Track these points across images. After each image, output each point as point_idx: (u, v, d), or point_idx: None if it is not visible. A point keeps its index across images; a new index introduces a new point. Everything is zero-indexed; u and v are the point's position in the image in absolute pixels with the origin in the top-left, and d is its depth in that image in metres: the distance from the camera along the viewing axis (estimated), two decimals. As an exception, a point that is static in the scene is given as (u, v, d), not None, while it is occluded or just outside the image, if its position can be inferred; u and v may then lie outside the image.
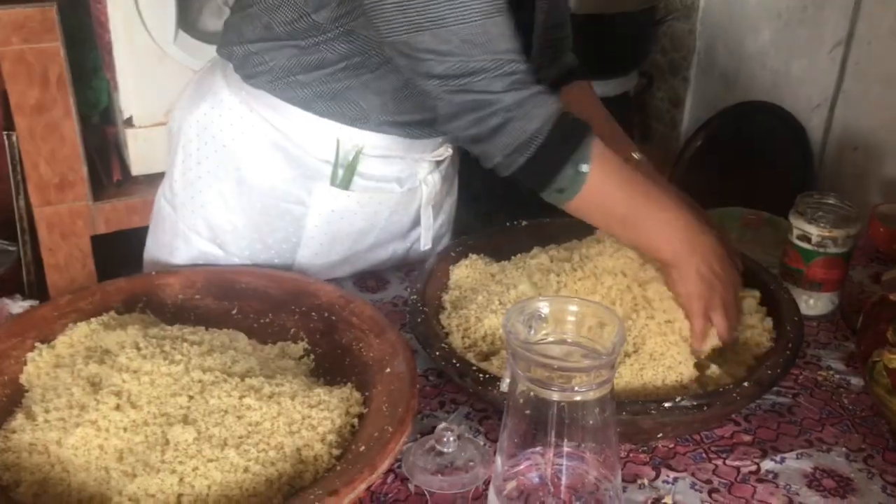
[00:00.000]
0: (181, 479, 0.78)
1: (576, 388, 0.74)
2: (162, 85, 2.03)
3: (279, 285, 1.10)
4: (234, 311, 1.08)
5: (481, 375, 0.91)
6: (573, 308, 0.77)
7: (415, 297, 1.06)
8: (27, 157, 2.04)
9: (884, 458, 0.92)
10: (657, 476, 0.89)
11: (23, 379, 0.95)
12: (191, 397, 0.84)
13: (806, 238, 1.13)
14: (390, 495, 0.86)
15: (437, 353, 0.96)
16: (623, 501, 0.80)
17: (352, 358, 1.00)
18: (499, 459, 0.81)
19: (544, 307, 0.78)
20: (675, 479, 0.89)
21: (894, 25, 1.63)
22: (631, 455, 0.92)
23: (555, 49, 1.23)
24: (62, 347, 0.96)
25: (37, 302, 2.28)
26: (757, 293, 1.07)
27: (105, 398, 0.84)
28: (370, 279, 1.24)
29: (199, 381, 0.86)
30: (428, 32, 0.90)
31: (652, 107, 2.11)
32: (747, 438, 0.94)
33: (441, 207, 1.28)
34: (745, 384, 0.90)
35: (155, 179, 2.14)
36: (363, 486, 0.79)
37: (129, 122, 2.08)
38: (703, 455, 0.92)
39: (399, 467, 0.86)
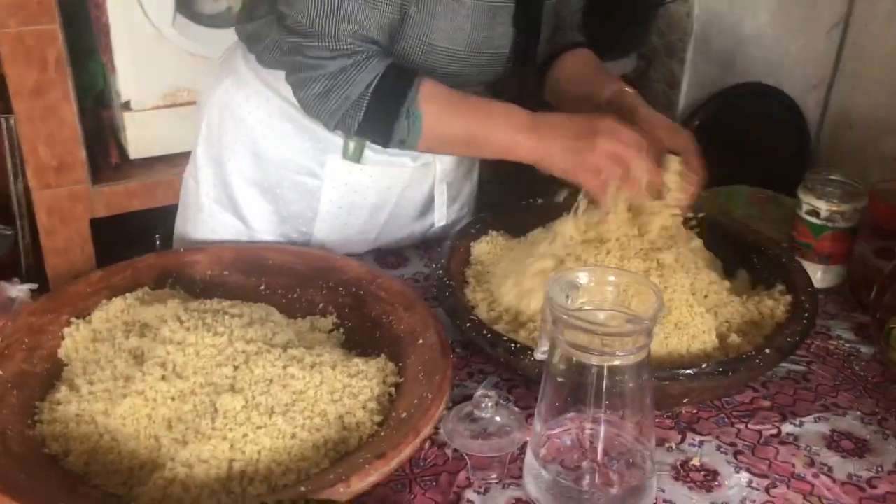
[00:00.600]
0: (232, 446, 0.81)
1: (616, 353, 0.77)
2: (160, 68, 2.03)
3: (305, 261, 1.12)
4: (261, 287, 1.10)
5: (512, 345, 0.94)
6: (612, 278, 0.81)
7: (440, 271, 1.09)
8: (25, 141, 2.02)
9: (897, 420, 0.96)
10: (683, 440, 0.93)
11: (61, 353, 0.97)
12: (236, 367, 0.87)
13: (815, 213, 1.17)
14: (429, 460, 0.89)
15: (468, 325, 0.98)
16: (655, 463, 0.84)
17: (382, 331, 1.02)
18: (537, 423, 0.84)
19: (583, 277, 0.81)
20: (701, 443, 0.92)
21: (893, 5, 1.67)
22: (657, 420, 0.95)
23: (562, 25, 1.26)
24: (98, 322, 0.98)
25: (35, 286, 2.28)
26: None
27: (150, 369, 0.86)
28: (390, 256, 1.27)
29: (244, 351, 0.88)
30: None
31: (648, 89, 2.14)
32: (766, 404, 0.98)
33: (459, 190, 1.30)
34: (767, 351, 0.93)
35: (153, 163, 2.15)
36: (409, 450, 0.82)
37: (126, 106, 2.08)
38: (726, 420, 0.96)
39: (436, 433, 0.89)
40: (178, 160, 2.13)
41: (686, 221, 1.09)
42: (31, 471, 0.80)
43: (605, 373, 0.78)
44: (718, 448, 0.92)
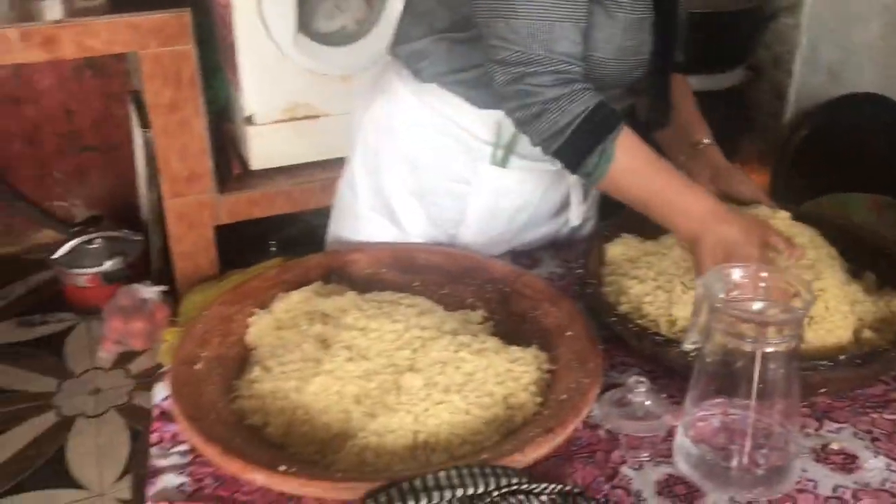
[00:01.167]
0: (415, 419, 0.91)
1: (770, 341, 0.85)
2: (281, 85, 2.16)
3: (454, 261, 1.22)
4: (415, 284, 1.20)
5: (657, 338, 1.02)
6: (764, 274, 0.88)
7: (581, 270, 1.17)
8: (161, 153, 2.19)
9: None
10: (820, 427, 0.99)
11: (248, 339, 1.08)
12: (414, 350, 0.97)
13: (939, 217, 1.22)
14: (583, 439, 0.98)
15: (614, 319, 1.07)
16: (798, 447, 0.91)
17: (529, 324, 1.12)
18: (689, 405, 0.92)
19: (738, 273, 0.89)
20: (839, 429, 0.98)
21: None
22: (794, 409, 1.02)
23: None
24: (279, 312, 1.10)
25: (166, 287, 2.44)
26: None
27: (337, 352, 0.97)
28: (523, 258, 1.36)
29: (419, 336, 0.99)
30: (502, 20, 1.06)
31: (756, 100, 2.20)
32: (898, 396, 1.04)
33: (588, 188, 1.39)
34: (902, 346, 0.99)
35: (273, 174, 2.30)
36: (571, 427, 0.91)
37: (249, 120, 2.19)
38: (860, 409, 1.02)
39: (590, 416, 0.98)
40: (295, 171, 2.28)
41: None
42: (243, 438, 0.91)
43: (758, 360, 0.86)
44: (855, 434, 0.98)
